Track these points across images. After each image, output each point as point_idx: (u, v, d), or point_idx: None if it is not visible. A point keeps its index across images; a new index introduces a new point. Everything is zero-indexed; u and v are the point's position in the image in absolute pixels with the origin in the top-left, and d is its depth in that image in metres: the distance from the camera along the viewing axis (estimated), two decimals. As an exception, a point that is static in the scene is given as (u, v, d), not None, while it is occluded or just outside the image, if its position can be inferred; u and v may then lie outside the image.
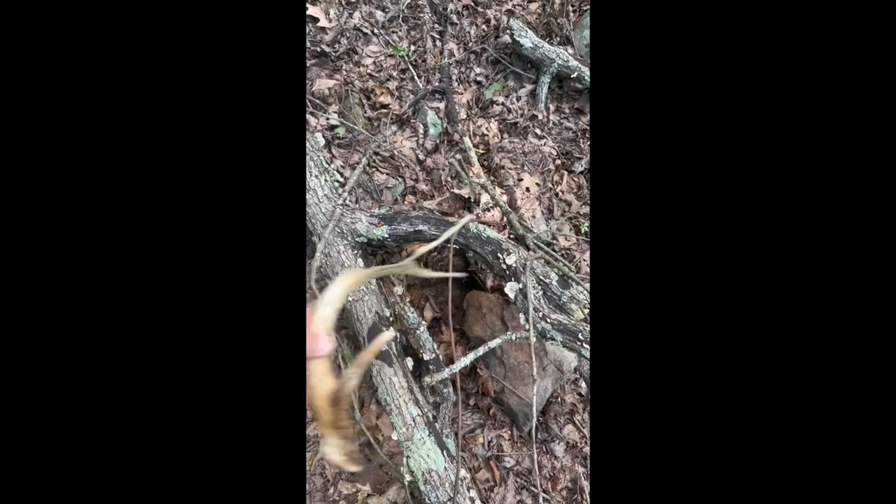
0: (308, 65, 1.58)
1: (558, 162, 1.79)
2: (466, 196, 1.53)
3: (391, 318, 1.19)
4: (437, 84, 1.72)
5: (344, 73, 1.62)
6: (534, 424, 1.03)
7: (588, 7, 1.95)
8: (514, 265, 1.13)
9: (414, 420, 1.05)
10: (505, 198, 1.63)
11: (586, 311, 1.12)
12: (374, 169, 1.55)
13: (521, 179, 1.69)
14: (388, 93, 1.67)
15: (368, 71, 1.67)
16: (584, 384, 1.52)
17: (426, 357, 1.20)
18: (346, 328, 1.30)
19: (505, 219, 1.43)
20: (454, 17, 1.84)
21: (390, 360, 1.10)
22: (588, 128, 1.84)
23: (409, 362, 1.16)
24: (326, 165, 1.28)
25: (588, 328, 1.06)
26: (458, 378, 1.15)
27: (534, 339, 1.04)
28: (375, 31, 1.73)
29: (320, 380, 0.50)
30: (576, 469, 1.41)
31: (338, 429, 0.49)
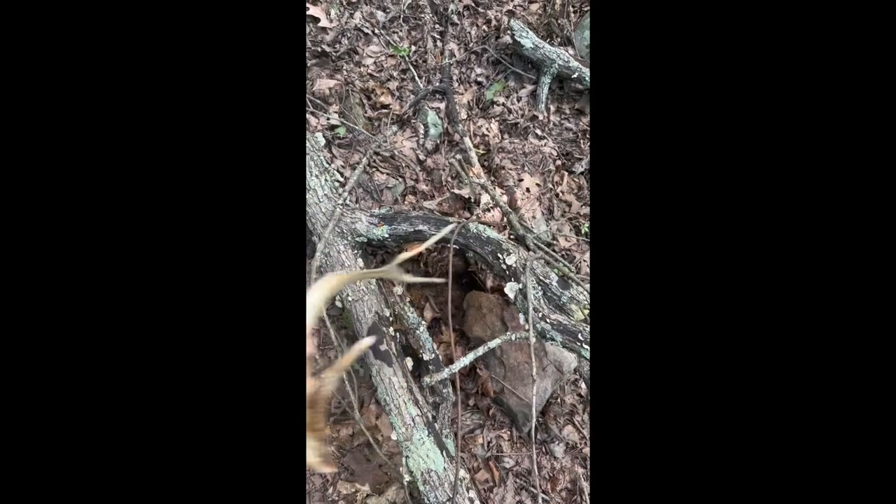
0: (309, 65, 1.58)
1: (559, 162, 1.79)
2: (467, 196, 1.53)
3: (391, 318, 1.19)
4: (437, 84, 1.72)
5: (345, 73, 1.62)
6: (533, 425, 1.03)
7: (589, 8, 1.96)
8: (514, 265, 1.13)
9: (413, 420, 1.05)
10: (505, 198, 1.63)
11: (586, 311, 1.12)
12: (374, 169, 1.55)
13: (521, 180, 1.69)
14: (389, 93, 1.67)
15: (369, 71, 1.67)
16: (583, 385, 1.52)
17: (426, 357, 1.20)
18: (346, 328, 1.30)
19: (505, 219, 1.43)
20: (455, 18, 1.84)
21: (390, 360, 1.10)
22: (588, 128, 1.84)
23: (409, 362, 1.16)
24: (327, 165, 1.28)
25: (588, 329, 1.06)
26: (457, 378, 1.15)
27: (533, 340, 1.04)
28: (376, 31, 1.73)
29: None
30: (575, 470, 1.41)
31: (313, 431, 0.49)
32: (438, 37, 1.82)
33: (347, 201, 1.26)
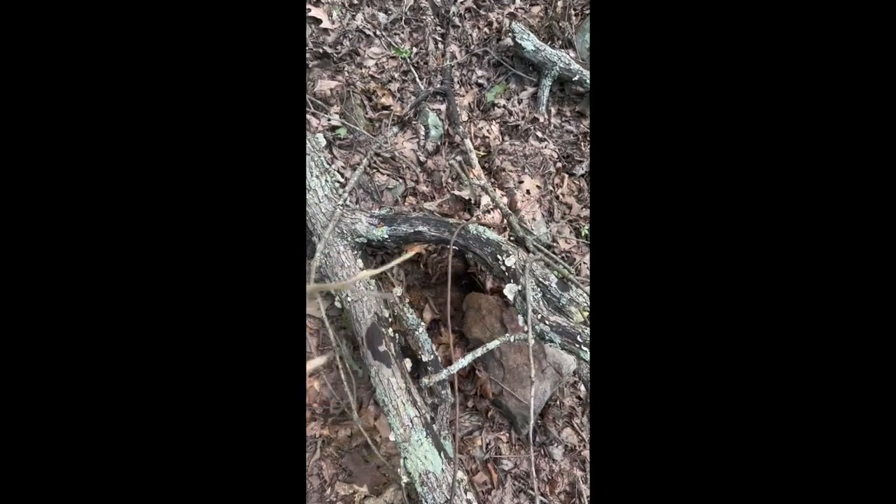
0: (310, 66, 1.58)
1: (559, 165, 1.79)
2: (467, 198, 1.53)
3: (390, 319, 1.19)
4: (438, 86, 1.73)
5: (346, 74, 1.63)
6: (532, 427, 1.03)
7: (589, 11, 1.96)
8: (513, 267, 1.13)
9: (412, 421, 1.04)
10: (505, 200, 1.63)
11: (586, 313, 1.12)
12: (374, 170, 1.55)
13: (521, 182, 1.70)
14: (390, 94, 1.68)
15: (370, 72, 1.68)
16: (582, 387, 1.52)
17: (425, 358, 1.20)
18: (346, 328, 1.30)
19: (505, 221, 1.43)
20: (456, 20, 1.85)
21: (389, 361, 1.10)
22: (589, 131, 1.84)
23: (408, 363, 1.16)
24: (327, 166, 1.28)
25: (587, 331, 1.06)
26: (456, 380, 1.15)
27: (532, 342, 1.04)
28: (378, 32, 1.74)
29: None
30: (574, 472, 1.40)
31: None
32: (440, 39, 1.83)
33: (348, 202, 1.26)
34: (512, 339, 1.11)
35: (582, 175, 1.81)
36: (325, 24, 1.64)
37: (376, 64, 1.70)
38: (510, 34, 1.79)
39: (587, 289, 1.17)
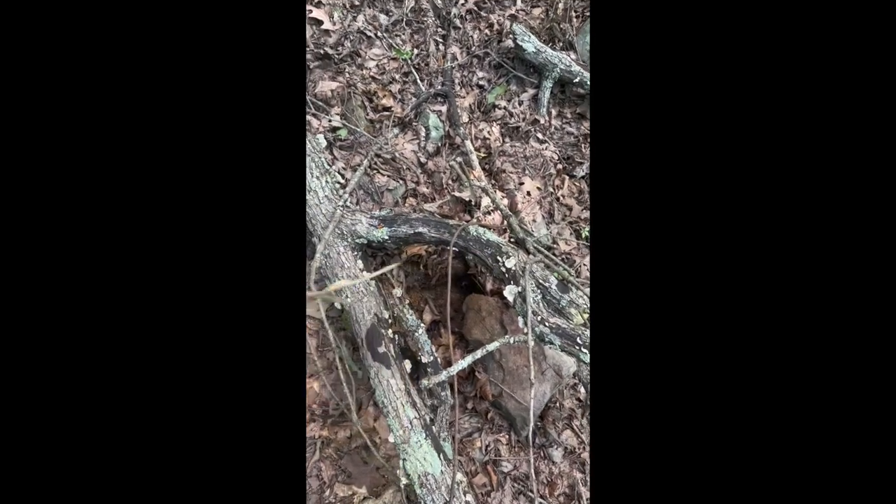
0: (311, 67, 1.59)
1: (560, 166, 1.80)
2: (467, 199, 1.53)
3: (390, 321, 1.19)
4: (439, 87, 1.73)
5: (347, 75, 1.63)
6: (531, 429, 1.02)
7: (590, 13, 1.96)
8: (513, 269, 1.13)
9: (411, 423, 1.04)
10: (506, 201, 1.63)
11: (586, 315, 1.11)
12: (375, 171, 1.55)
13: (522, 183, 1.70)
14: (391, 95, 1.68)
15: (371, 74, 1.68)
16: (582, 389, 1.52)
17: (424, 359, 1.20)
18: (345, 329, 1.30)
19: (505, 222, 1.43)
20: (457, 22, 1.85)
21: (388, 363, 1.09)
22: (589, 133, 1.84)
23: (408, 365, 1.15)
24: (328, 167, 1.29)
25: (587, 333, 1.06)
26: (455, 381, 1.15)
27: (532, 343, 1.04)
28: (379, 34, 1.74)
29: None
30: (573, 475, 1.40)
31: None
32: (441, 40, 1.83)
33: (348, 203, 1.26)
34: (512, 341, 1.11)
35: (582, 177, 1.81)
36: (327, 25, 1.64)
37: (377, 65, 1.71)
38: (511, 36, 1.79)
39: (587, 291, 1.17)
